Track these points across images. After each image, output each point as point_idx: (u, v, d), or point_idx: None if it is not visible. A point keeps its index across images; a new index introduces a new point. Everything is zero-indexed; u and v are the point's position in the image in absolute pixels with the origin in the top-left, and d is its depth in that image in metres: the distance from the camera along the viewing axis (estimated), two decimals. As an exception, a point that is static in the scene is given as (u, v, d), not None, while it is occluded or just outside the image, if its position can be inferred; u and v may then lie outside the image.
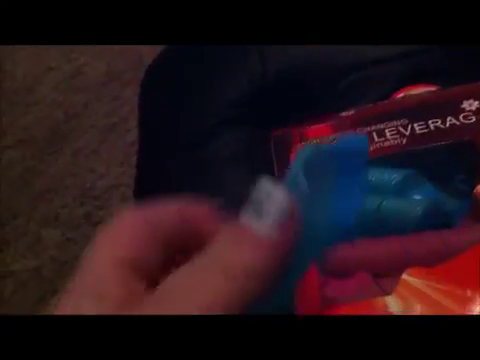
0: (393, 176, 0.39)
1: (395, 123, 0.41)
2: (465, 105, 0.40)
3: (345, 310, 0.34)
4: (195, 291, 0.22)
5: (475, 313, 0.31)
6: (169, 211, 0.26)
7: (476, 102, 0.40)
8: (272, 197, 0.23)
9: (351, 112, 0.43)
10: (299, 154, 0.24)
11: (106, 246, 0.25)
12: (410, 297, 0.33)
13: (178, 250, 0.26)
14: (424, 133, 0.39)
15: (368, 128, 0.41)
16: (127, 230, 0.25)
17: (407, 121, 0.40)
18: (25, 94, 1.39)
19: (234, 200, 0.28)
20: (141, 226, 0.25)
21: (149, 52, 1.32)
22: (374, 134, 0.40)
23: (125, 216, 0.26)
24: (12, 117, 1.36)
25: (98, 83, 1.37)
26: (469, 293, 0.32)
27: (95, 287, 0.23)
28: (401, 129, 0.40)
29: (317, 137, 0.41)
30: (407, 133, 0.40)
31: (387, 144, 0.40)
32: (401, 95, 0.46)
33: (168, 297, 0.22)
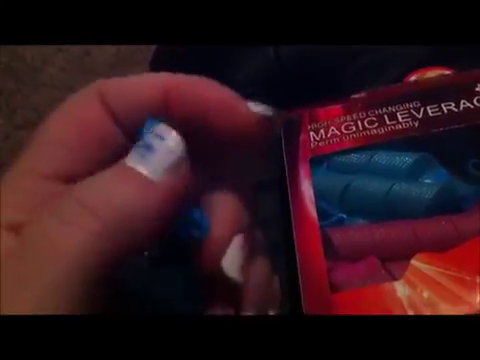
0: (405, 159, 0.39)
1: (407, 106, 0.40)
2: (479, 88, 0.39)
3: (353, 295, 0.34)
4: (57, 240, 0.20)
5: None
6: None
7: (491, 85, 0.39)
8: (164, 140, 0.22)
9: (363, 94, 0.42)
10: None
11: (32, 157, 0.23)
12: (419, 283, 0.32)
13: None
14: (437, 116, 0.39)
15: (379, 111, 0.40)
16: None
17: (420, 104, 0.40)
18: (34, 75, 1.38)
19: (243, 181, 0.28)
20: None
21: (158, 34, 1.32)
22: (386, 117, 0.40)
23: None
24: (21, 98, 1.36)
25: (107, 64, 1.36)
26: (479, 280, 0.32)
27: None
28: (413, 112, 0.40)
29: (328, 119, 0.41)
30: (420, 116, 0.39)
31: (399, 127, 0.39)
32: (414, 78, 0.45)
33: (30, 248, 0.20)
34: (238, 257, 0.22)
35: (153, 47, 0.66)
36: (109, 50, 1.36)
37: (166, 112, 0.23)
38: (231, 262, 0.22)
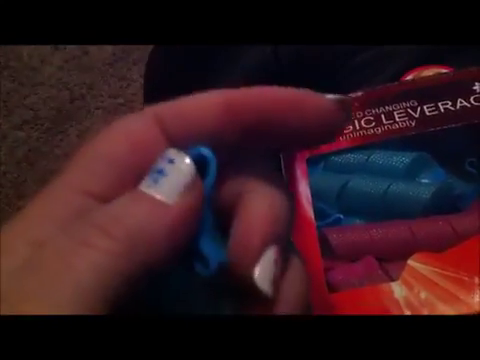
0: (402, 159, 0.38)
1: (404, 105, 0.40)
2: (477, 87, 0.39)
3: (350, 295, 0.34)
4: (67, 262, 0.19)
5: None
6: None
7: (488, 84, 0.39)
8: (175, 163, 0.22)
9: (359, 93, 0.42)
10: None
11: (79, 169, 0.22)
12: (416, 284, 0.32)
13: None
14: (434, 115, 0.38)
15: (376, 110, 0.40)
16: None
17: (417, 103, 0.40)
18: (31, 74, 1.38)
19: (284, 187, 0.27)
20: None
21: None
22: (382, 116, 0.40)
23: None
24: (17, 97, 1.35)
25: (104, 63, 1.35)
26: (477, 280, 0.31)
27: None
28: (410, 111, 0.39)
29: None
30: (416, 115, 0.39)
31: (396, 126, 0.39)
32: (411, 76, 0.45)
33: (40, 263, 0.20)
34: (271, 268, 0.22)
35: (150, 46, 0.66)
36: (106, 49, 1.36)
37: (224, 130, 0.23)
38: (264, 275, 0.22)
